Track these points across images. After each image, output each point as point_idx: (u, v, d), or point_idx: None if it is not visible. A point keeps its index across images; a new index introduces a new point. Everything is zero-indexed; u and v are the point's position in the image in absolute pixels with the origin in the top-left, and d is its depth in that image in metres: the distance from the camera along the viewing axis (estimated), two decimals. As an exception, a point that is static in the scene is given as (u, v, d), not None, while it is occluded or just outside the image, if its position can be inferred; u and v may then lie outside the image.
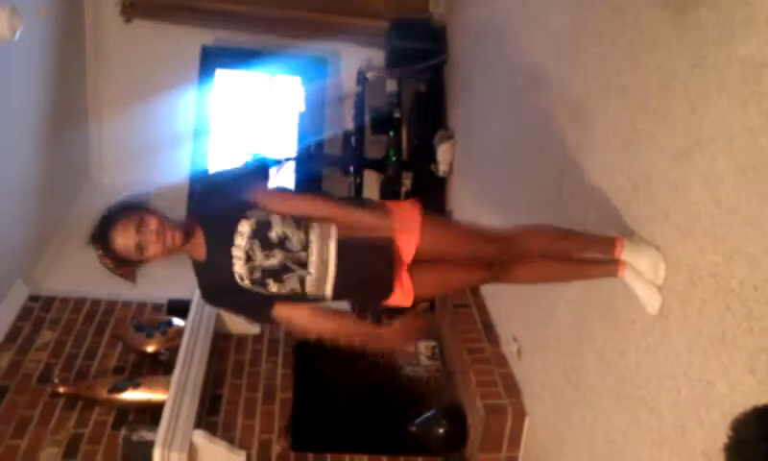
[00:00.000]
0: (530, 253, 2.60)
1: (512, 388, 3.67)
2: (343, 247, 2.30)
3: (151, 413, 3.82)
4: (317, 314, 2.44)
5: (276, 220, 2.27)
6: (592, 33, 2.95)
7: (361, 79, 5.77)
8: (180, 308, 4.41)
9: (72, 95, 5.74)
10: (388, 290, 2.42)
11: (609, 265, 2.52)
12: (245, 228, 2.26)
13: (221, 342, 4.44)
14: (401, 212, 2.43)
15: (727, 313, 2.01)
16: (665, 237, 2.33)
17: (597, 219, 2.79)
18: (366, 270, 2.37)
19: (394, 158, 5.39)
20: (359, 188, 5.45)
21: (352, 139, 5.71)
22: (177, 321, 4.36)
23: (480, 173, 4.55)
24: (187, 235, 2.30)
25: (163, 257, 2.27)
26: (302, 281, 2.30)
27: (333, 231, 2.30)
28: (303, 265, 2.28)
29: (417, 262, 2.43)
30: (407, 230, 2.39)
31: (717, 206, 2.08)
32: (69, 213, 5.58)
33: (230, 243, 2.27)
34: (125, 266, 2.30)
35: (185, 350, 4.03)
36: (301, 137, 5.94)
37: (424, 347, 4.50)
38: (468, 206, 4.74)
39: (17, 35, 3.54)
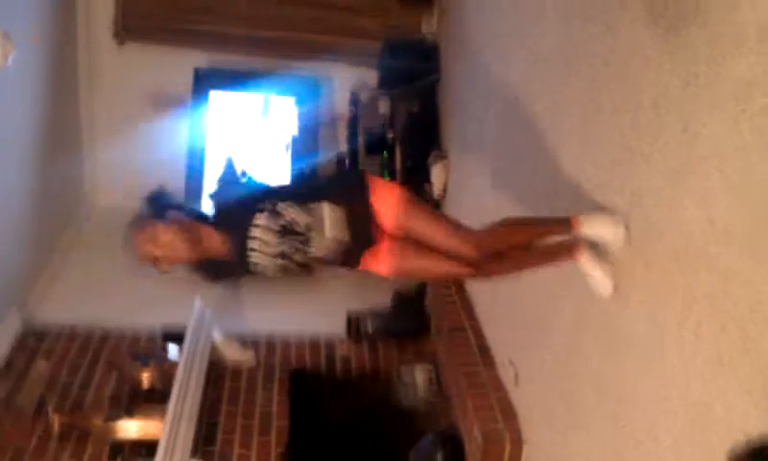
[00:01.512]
0: (501, 249, 2.81)
1: (509, 413, 3.63)
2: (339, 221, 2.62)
3: (147, 445, 3.78)
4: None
5: (284, 208, 2.57)
6: (584, 52, 2.94)
7: (354, 100, 5.76)
8: (176, 336, 4.38)
9: (65, 118, 5.72)
10: (359, 259, 2.74)
11: (569, 248, 2.71)
12: (260, 220, 2.55)
13: (216, 369, 4.41)
14: (381, 189, 2.71)
15: (722, 335, 1.98)
16: (660, 257, 2.30)
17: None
18: (353, 239, 2.66)
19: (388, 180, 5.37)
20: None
21: (346, 161, 5.70)
22: (172, 349, 4.33)
23: (474, 193, 4.53)
24: (197, 244, 2.53)
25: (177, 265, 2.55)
26: (306, 253, 2.61)
27: (327, 209, 2.61)
28: (308, 242, 2.59)
29: (404, 239, 2.71)
30: (385, 206, 2.67)
31: (711, 226, 2.05)
32: (63, 238, 5.56)
33: (247, 236, 2.55)
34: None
35: (181, 378, 4.00)
36: (295, 159, 5.92)
37: (420, 372, 4.47)
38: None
39: (10, 60, 3.53)
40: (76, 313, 4.81)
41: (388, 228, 2.70)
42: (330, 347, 4.80)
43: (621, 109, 2.59)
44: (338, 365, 4.70)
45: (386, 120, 5.56)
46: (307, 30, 5.74)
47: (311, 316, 5.06)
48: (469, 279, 2.78)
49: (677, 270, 2.21)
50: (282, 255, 2.60)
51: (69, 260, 5.44)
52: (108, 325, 4.74)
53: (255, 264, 2.60)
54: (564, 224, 2.70)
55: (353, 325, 4.84)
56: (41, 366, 4.39)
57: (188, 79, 5.72)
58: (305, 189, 2.78)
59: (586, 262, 2.65)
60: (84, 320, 4.76)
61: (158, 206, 2.57)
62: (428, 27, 5.81)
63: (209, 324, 4.53)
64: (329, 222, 2.61)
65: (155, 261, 2.47)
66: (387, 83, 5.59)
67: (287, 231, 2.57)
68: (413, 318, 4.92)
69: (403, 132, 5.40)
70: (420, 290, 5.05)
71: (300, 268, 2.68)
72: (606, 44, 2.74)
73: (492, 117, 4.21)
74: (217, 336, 4.56)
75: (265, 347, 4.73)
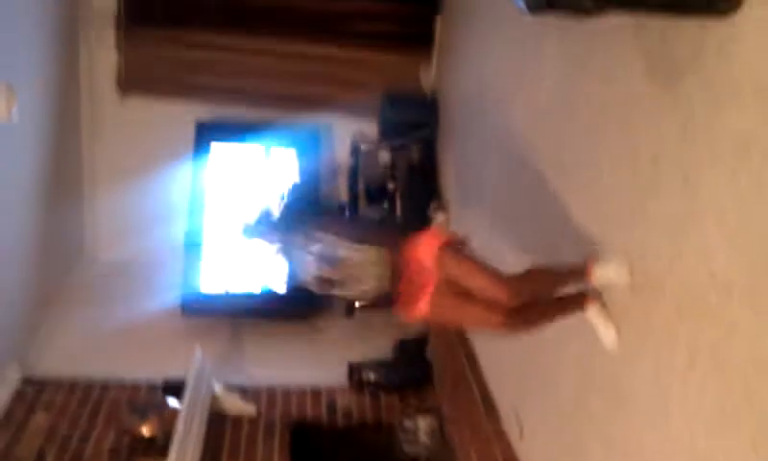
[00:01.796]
0: (533, 299, 2.81)
1: (514, 468, 3.60)
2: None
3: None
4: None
5: (336, 244, 2.84)
6: (583, 102, 2.97)
7: (354, 150, 5.80)
8: (176, 389, 4.35)
9: (67, 170, 5.76)
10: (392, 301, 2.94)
11: (579, 298, 2.79)
12: (314, 248, 2.85)
13: (216, 422, 4.37)
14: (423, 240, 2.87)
15: (726, 388, 1.97)
16: (664, 313, 2.30)
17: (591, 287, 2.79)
18: (389, 281, 2.85)
19: (389, 230, 5.39)
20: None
21: (347, 211, 5.72)
22: (172, 402, 4.30)
23: (475, 243, 4.53)
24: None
25: None
26: (349, 288, 2.88)
27: (373, 254, 2.83)
28: (354, 279, 2.85)
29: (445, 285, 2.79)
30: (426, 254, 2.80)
31: (712, 278, 2.05)
32: (63, 291, 5.56)
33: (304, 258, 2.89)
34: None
35: (181, 431, 3.97)
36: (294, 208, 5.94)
37: (423, 422, 4.43)
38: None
39: (13, 113, 3.56)
40: (76, 365, 4.80)
41: (430, 275, 2.81)
42: (332, 397, 4.77)
43: (620, 160, 2.61)
44: (339, 416, 4.67)
45: (386, 170, 5.61)
46: (308, 82, 5.81)
47: (312, 366, 5.05)
48: (499, 330, 2.82)
49: (680, 323, 2.20)
50: (331, 282, 2.90)
51: (69, 312, 5.43)
52: (108, 376, 4.72)
53: (306, 279, 2.92)
54: (579, 273, 2.75)
55: (355, 374, 4.81)
56: (41, 418, 4.36)
57: (190, 131, 5.76)
58: (356, 228, 3.08)
59: (594, 312, 2.71)
60: (83, 371, 4.75)
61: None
62: (427, 79, 5.88)
63: (209, 375, 4.51)
64: (372, 268, 2.85)
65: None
66: (387, 134, 5.64)
67: (335, 261, 2.85)
68: (415, 368, 4.89)
69: (404, 182, 5.44)
70: (422, 340, 5.04)
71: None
72: (603, 95, 2.78)
73: (490, 168, 4.24)
74: (217, 387, 4.54)
75: (266, 397, 4.71)
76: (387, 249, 2.87)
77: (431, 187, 5.43)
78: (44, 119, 5.14)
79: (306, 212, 3.17)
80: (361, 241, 2.88)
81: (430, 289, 2.81)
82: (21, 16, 4.65)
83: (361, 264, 2.86)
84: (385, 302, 2.97)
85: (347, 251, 2.85)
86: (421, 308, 2.83)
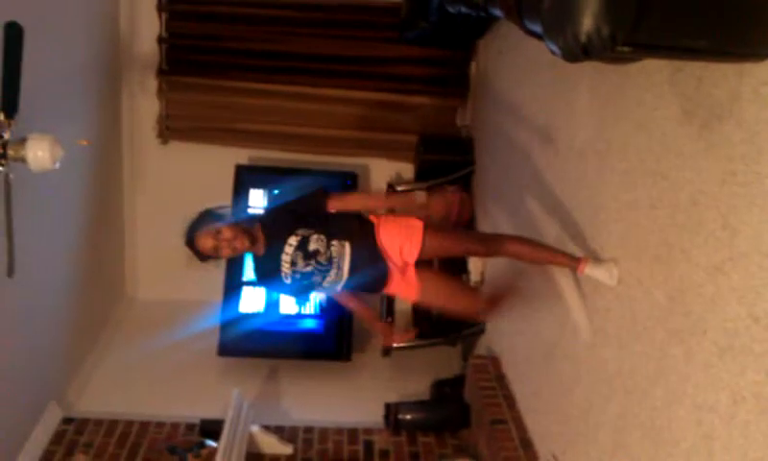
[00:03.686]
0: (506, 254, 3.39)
1: (553, 510, 3.54)
2: (353, 260, 3.19)
3: None
4: (352, 298, 3.45)
5: (312, 237, 3.12)
6: (618, 148, 2.98)
7: (390, 192, 5.84)
8: (213, 429, 4.38)
9: (109, 215, 5.89)
10: (380, 287, 3.36)
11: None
12: (293, 240, 3.12)
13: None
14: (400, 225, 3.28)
15: (773, 434, 1.94)
16: (705, 354, 2.28)
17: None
18: (366, 272, 3.24)
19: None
20: (390, 303, 5.42)
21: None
22: (210, 442, 4.32)
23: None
24: (252, 242, 3.11)
25: (234, 255, 3.13)
26: (325, 278, 3.19)
27: (347, 246, 3.19)
28: (327, 270, 3.17)
29: (426, 265, 3.33)
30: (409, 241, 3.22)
31: (755, 323, 2.03)
32: (103, 331, 5.64)
33: (282, 250, 3.13)
34: (206, 260, 3.14)
35: (218, 472, 3.98)
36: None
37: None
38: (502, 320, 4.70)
39: (58, 164, 3.65)
40: (115, 404, 4.86)
41: (413, 254, 3.21)
42: (368, 436, 4.76)
43: (658, 204, 2.61)
44: (376, 455, 4.63)
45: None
46: (346, 125, 5.89)
47: (349, 405, 5.06)
48: (483, 310, 3.71)
49: (722, 367, 2.18)
50: (305, 276, 3.16)
51: (109, 352, 5.52)
52: (147, 416, 4.77)
53: (285, 274, 3.15)
54: (572, 261, 3.20)
55: (392, 414, 4.79)
56: (79, 460, 4.41)
57: (229, 175, 5.86)
58: (332, 226, 3.23)
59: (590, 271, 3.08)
60: (122, 411, 4.80)
61: (215, 215, 3.16)
62: (463, 120, 5.93)
63: (247, 414, 4.53)
64: (348, 260, 3.19)
65: (215, 250, 3.05)
66: (423, 174, 5.69)
67: (311, 256, 3.12)
68: (452, 408, 4.86)
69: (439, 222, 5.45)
70: (460, 379, 5.01)
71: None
72: (639, 140, 2.77)
73: (526, 208, 4.24)
74: (255, 427, 4.55)
75: (303, 436, 4.71)
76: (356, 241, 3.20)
77: (468, 227, 5.43)
78: (87, 165, 5.27)
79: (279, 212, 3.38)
80: (340, 238, 3.18)
81: (415, 271, 3.27)
82: (66, 68, 4.80)
83: (338, 260, 3.17)
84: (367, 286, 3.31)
85: (317, 244, 3.13)
86: (413, 289, 3.32)
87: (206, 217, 3.15)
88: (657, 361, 2.59)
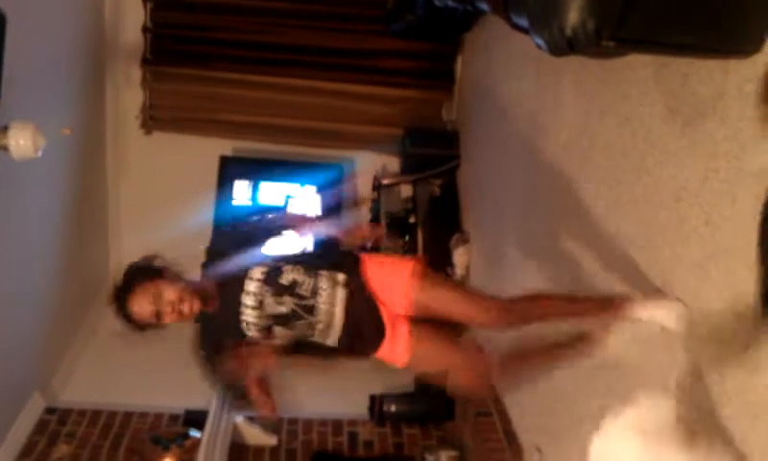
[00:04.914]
0: (529, 320, 2.60)
1: (536, 502, 3.57)
2: (349, 296, 2.42)
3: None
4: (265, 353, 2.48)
5: (286, 267, 2.39)
6: (601, 143, 2.99)
7: (376, 185, 5.85)
8: (197, 419, 4.37)
9: (92, 205, 5.85)
10: (378, 341, 2.51)
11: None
12: (256, 274, 2.37)
13: (237, 453, 4.38)
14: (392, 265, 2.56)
15: (751, 431, 1.96)
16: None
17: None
18: (365, 318, 2.46)
19: (410, 263, 5.40)
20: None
21: (368, 245, 5.74)
22: (194, 432, 4.31)
23: (496, 276, 4.55)
24: (204, 301, 2.38)
25: (182, 320, 2.37)
26: (311, 327, 2.39)
27: (340, 278, 2.43)
28: (311, 310, 2.36)
29: (420, 328, 2.51)
30: (399, 280, 2.49)
31: (738, 320, 2.05)
32: (87, 322, 5.61)
33: (241, 289, 2.36)
34: (141, 329, 2.41)
35: (202, 463, 3.98)
36: (317, 243, 5.97)
37: (445, 457, 4.41)
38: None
39: (40, 152, 3.63)
40: (98, 394, 4.83)
41: (404, 306, 2.51)
42: (353, 428, 4.77)
43: (642, 200, 2.62)
44: (361, 446, 4.66)
45: (408, 204, 5.64)
46: (331, 118, 5.87)
47: (334, 397, 5.03)
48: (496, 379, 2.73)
49: (707, 363, 2.20)
50: (283, 319, 2.37)
51: (92, 343, 5.48)
52: (130, 406, 4.75)
53: (248, 324, 2.38)
54: (605, 307, 2.45)
55: (376, 406, 4.80)
56: (62, 450, 4.39)
57: (214, 166, 5.83)
58: (313, 256, 2.61)
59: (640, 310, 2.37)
60: (106, 401, 4.78)
61: (154, 268, 2.48)
62: (449, 114, 5.94)
63: (231, 406, 4.52)
64: (342, 292, 2.41)
65: (155, 316, 2.35)
66: (408, 168, 5.69)
67: (286, 290, 2.36)
68: (437, 400, 4.87)
69: (425, 215, 5.46)
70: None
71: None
72: (624, 136, 2.79)
73: (511, 202, 4.26)
74: (239, 418, 4.55)
75: (287, 428, 4.71)
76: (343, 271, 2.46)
77: (452, 220, 5.45)
78: (70, 155, 5.23)
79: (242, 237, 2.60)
80: (328, 267, 2.46)
81: (406, 329, 2.51)
82: (48, 55, 4.75)
83: (327, 292, 2.39)
84: (358, 340, 2.50)
85: (295, 274, 2.40)
86: (404, 353, 2.53)
87: (138, 274, 2.46)
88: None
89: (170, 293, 2.34)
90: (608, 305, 2.46)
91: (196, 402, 4.53)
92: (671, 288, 2.40)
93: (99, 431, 4.59)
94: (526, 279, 3.96)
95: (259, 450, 4.52)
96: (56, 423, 4.61)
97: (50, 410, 4.68)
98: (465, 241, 5.20)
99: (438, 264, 5.23)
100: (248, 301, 2.36)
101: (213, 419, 4.27)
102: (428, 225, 5.44)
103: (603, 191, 2.96)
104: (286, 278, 2.37)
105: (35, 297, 4.74)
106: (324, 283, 2.40)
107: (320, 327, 2.41)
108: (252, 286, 2.37)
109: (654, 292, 2.46)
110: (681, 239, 2.35)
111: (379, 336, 2.51)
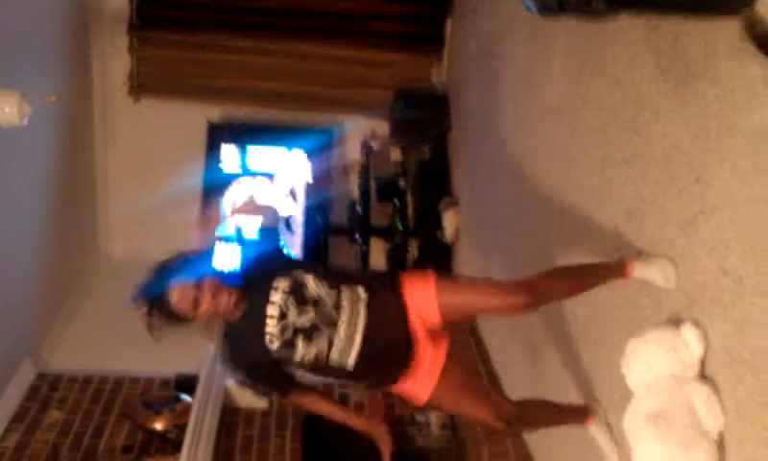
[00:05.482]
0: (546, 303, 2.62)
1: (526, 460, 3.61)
2: (370, 313, 2.39)
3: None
4: (325, 400, 2.73)
5: (309, 279, 2.39)
6: (593, 104, 2.99)
7: (366, 149, 5.84)
8: (189, 384, 4.39)
9: (80, 172, 5.82)
10: (403, 367, 2.48)
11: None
12: (281, 284, 2.38)
13: (229, 416, 4.40)
14: (415, 290, 2.47)
15: (739, 386, 1.99)
16: (674, 307, 2.32)
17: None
18: (388, 339, 2.43)
19: (400, 226, 5.42)
20: (365, 256, 5.46)
21: (358, 208, 5.75)
22: (185, 396, 4.34)
23: (485, 238, 4.57)
24: (237, 302, 2.38)
25: (213, 317, 2.38)
26: (330, 343, 2.36)
27: (362, 294, 2.41)
28: (333, 325, 2.36)
29: (446, 376, 2.52)
30: (423, 311, 2.45)
31: (725, 276, 2.07)
32: (76, 288, 5.60)
33: (266, 300, 2.37)
34: (175, 322, 2.39)
35: (193, 426, 4.00)
36: (308, 208, 5.98)
37: (435, 417, 4.45)
38: (475, 271, 4.74)
39: (26, 120, 3.60)
40: (90, 360, 4.84)
41: (434, 312, 2.46)
42: (343, 390, 4.79)
43: (632, 160, 2.63)
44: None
45: (397, 168, 5.64)
46: (320, 82, 5.85)
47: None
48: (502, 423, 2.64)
49: (692, 321, 2.22)
50: (305, 332, 2.37)
51: (83, 308, 5.48)
52: (122, 372, 4.76)
53: (271, 337, 2.37)
54: (617, 269, 2.52)
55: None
56: (54, 414, 4.40)
57: (202, 132, 5.80)
58: (333, 271, 2.59)
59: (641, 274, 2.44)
60: (97, 367, 4.79)
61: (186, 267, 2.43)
62: (438, 77, 5.91)
63: (223, 369, 4.54)
64: (364, 310, 2.39)
65: (193, 305, 2.33)
66: (398, 132, 5.68)
67: (309, 302, 2.37)
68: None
69: (415, 179, 5.47)
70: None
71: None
72: (615, 97, 2.79)
73: (501, 164, 4.26)
74: (230, 382, 4.57)
75: (278, 391, 4.73)
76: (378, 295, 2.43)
77: (442, 183, 5.45)
78: (57, 122, 5.19)
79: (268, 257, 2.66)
80: (349, 282, 2.45)
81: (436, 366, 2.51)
82: (33, 23, 4.69)
83: (349, 307, 2.37)
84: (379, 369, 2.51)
85: (319, 288, 2.40)
86: (426, 389, 2.53)
87: (183, 264, 2.42)
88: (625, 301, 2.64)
89: (211, 283, 2.34)
90: (612, 272, 2.54)
91: (187, 367, 4.55)
92: (660, 246, 2.42)
93: (90, 397, 4.60)
94: (516, 241, 3.98)
95: (250, 413, 4.54)
96: (47, 389, 4.61)
97: (41, 376, 4.69)
98: (454, 204, 5.20)
99: (428, 228, 5.26)
100: (272, 310, 2.37)
101: (204, 383, 4.28)
102: (418, 188, 5.44)
103: (593, 151, 2.97)
104: (310, 291, 2.39)
105: (24, 263, 4.72)
106: (346, 300, 2.39)
107: (339, 345, 2.38)
108: (276, 296, 2.38)
109: (644, 253, 2.50)
110: (670, 197, 2.36)
111: (401, 365, 2.49)
